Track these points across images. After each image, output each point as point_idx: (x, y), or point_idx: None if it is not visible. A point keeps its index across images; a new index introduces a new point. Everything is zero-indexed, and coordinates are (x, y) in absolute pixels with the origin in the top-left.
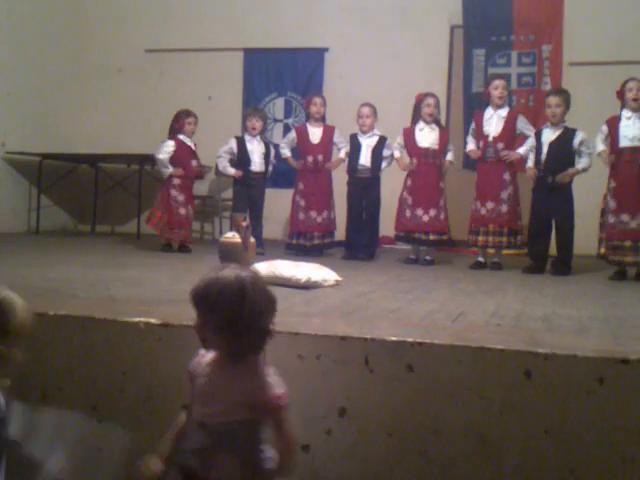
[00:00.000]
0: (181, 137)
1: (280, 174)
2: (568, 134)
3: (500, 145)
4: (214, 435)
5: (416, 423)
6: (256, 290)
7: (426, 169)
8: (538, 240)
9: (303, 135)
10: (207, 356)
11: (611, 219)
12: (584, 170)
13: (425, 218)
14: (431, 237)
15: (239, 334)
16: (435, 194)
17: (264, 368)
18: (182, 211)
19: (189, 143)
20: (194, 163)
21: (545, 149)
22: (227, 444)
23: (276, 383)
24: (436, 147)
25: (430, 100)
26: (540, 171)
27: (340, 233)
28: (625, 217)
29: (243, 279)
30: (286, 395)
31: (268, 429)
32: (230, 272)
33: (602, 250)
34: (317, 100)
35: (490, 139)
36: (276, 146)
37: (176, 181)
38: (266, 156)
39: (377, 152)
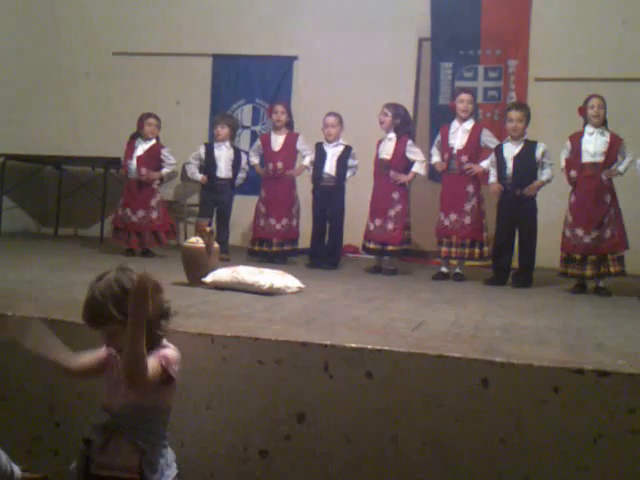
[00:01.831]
0: (137, 139)
1: (247, 181)
2: (530, 147)
3: (464, 158)
4: (115, 416)
5: (374, 429)
6: (110, 281)
7: (379, 180)
8: (503, 253)
9: (266, 143)
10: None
11: (567, 232)
12: (548, 181)
13: (371, 227)
14: (372, 246)
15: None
16: (385, 204)
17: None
18: (128, 213)
19: (138, 144)
20: (131, 165)
21: (510, 164)
22: (124, 425)
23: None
24: (388, 157)
25: (382, 110)
26: (507, 185)
27: (305, 241)
28: (580, 231)
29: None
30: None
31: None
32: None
33: (560, 267)
34: (278, 108)
35: (454, 152)
36: (247, 153)
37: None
38: (234, 163)
39: (342, 161)
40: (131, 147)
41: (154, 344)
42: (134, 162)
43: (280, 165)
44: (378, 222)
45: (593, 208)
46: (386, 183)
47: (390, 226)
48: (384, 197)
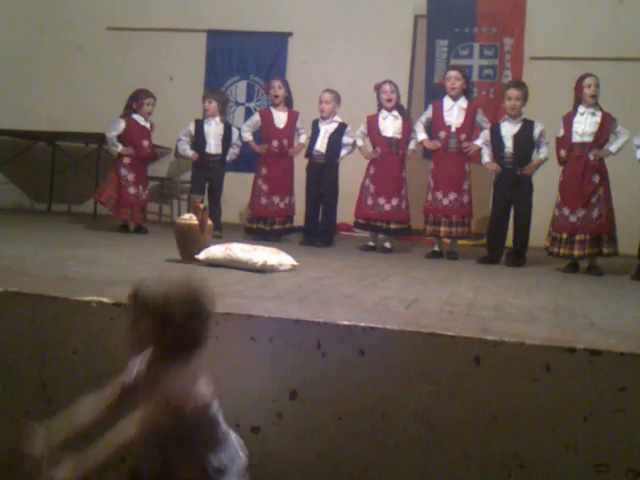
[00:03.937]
0: (135, 117)
1: (240, 158)
2: (528, 126)
3: (463, 136)
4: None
5: (366, 407)
6: (195, 298)
7: (389, 158)
8: (498, 232)
9: (267, 119)
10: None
11: (556, 211)
12: (546, 160)
13: (387, 207)
14: (392, 226)
15: (174, 335)
16: (397, 183)
17: (195, 376)
18: (131, 190)
19: (143, 123)
20: (145, 144)
21: (509, 143)
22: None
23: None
24: (399, 136)
25: (386, 87)
26: (506, 164)
27: (299, 219)
28: (566, 210)
29: (185, 286)
30: (204, 406)
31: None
32: (176, 278)
33: (546, 243)
34: (274, 83)
35: (453, 130)
36: (239, 129)
37: (126, 160)
38: (225, 138)
39: (334, 139)
40: (136, 125)
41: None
42: (147, 141)
43: (286, 142)
44: (395, 202)
45: (580, 188)
46: (396, 162)
47: (404, 205)
48: (396, 176)
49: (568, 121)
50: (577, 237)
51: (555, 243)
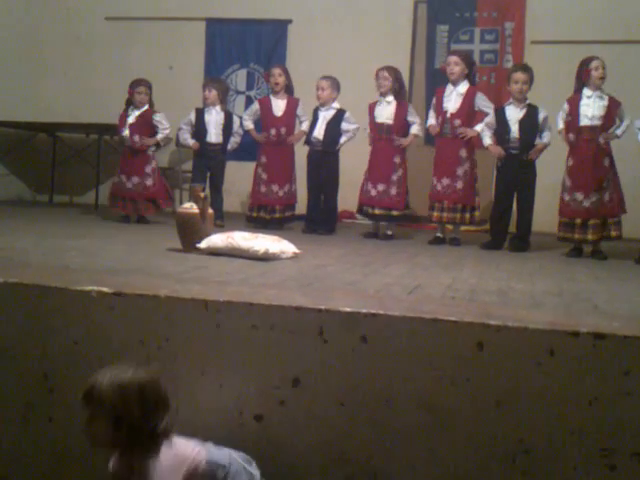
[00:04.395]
0: (129, 107)
1: (241, 147)
2: (533, 111)
3: (457, 122)
4: None
5: (369, 393)
6: (150, 391)
7: (380, 144)
8: (502, 217)
9: (266, 107)
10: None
11: (566, 197)
12: (549, 144)
13: (373, 192)
14: (376, 211)
15: (132, 432)
16: (387, 169)
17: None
18: (124, 180)
19: (131, 112)
20: (124, 132)
21: (515, 127)
22: None
23: None
24: (390, 122)
25: (379, 73)
26: (510, 149)
27: (301, 206)
28: (579, 195)
29: (139, 379)
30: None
31: None
32: (126, 371)
33: (557, 230)
34: (275, 71)
35: (448, 115)
36: (239, 117)
37: (122, 150)
38: (225, 127)
39: (332, 125)
40: (124, 116)
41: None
42: (127, 130)
43: (283, 131)
44: (381, 187)
45: (592, 172)
46: (387, 147)
47: (393, 191)
48: (386, 162)
49: (574, 104)
50: (591, 222)
51: (568, 229)
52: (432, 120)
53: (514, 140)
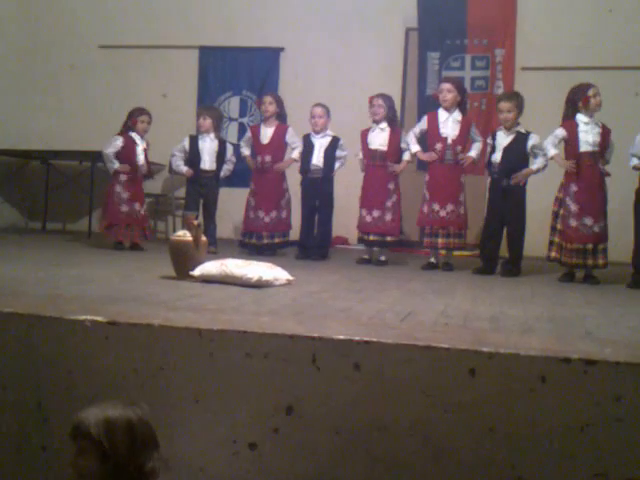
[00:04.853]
0: (132, 134)
1: (234, 173)
2: (521, 138)
3: (459, 148)
4: None
5: (362, 421)
6: (139, 428)
7: (374, 170)
8: (491, 241)
9: (255, 135)
10: None
11: (573, 223)
12: (539, 170)
13: (368, 219)
14: (371, 237)
15: (118, 468)
16: (381, 195)
17: None
18: (124, 208)
19: (138, 141)
20: (140, 161)
21: (499, 153)
22: None
23: None
24: (384, 149)
25: (377, 101)
26: (493, 173)
27: (295, 233)
28: (588, 221)
29: (128, 416)
30: None
31: None
32: (115, 407)
33: (553, 253)
34: (266, 99)
35: (449, 142)
36: (233, 145)
37: (122, 177)
38: (219, 154)
39: (329, 152)
40: (132, 143)
41: None
42: (142, 157)
43: (268, 158)
44: (376, 213)
45: (598, 197)
46: (381, 173)
47: (388, 217)
48: (380, 188)
49: (572, 131)
50: (588, 246)
51: (580, 255)
52: (417, 146)
53: (495, 165)
